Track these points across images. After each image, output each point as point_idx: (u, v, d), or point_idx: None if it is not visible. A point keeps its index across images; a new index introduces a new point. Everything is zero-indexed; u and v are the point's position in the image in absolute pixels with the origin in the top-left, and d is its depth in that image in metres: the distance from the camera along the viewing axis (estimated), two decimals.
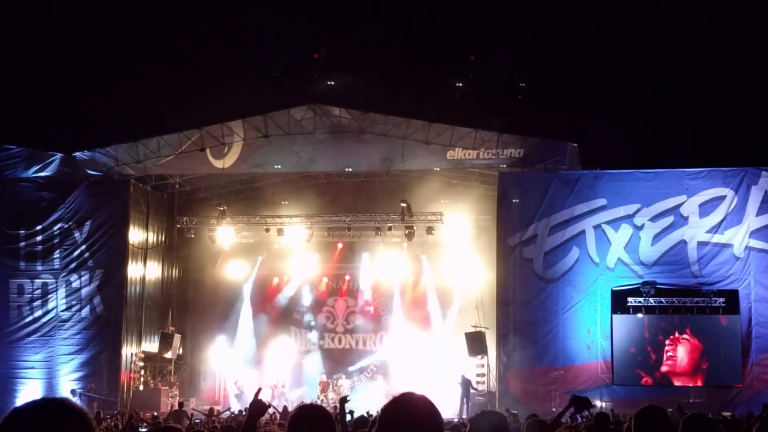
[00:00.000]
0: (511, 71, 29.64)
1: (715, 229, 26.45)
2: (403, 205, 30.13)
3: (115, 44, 32.90)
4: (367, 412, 14.92)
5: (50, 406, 2.35)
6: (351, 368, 32.70)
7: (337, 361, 33.02)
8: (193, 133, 29.73)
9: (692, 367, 26.32)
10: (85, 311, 29.22)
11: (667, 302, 26.60)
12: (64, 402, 2.37)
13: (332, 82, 29.65)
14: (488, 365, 29.28)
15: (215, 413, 24.68)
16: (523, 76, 29.34)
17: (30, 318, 29.27)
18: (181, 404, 25.35)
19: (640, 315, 26.62)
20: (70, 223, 29.47)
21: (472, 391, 28.33)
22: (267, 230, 31.68)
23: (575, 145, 28.28)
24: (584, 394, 27.55)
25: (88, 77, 32.55)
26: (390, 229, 30.89)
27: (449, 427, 10.54)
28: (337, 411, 9.05)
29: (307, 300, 33.75)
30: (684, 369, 26.36)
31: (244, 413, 22.65)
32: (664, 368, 26.45)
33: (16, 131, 30.70)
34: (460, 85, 29.54)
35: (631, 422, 5.62)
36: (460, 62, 30.63)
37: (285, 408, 21.77)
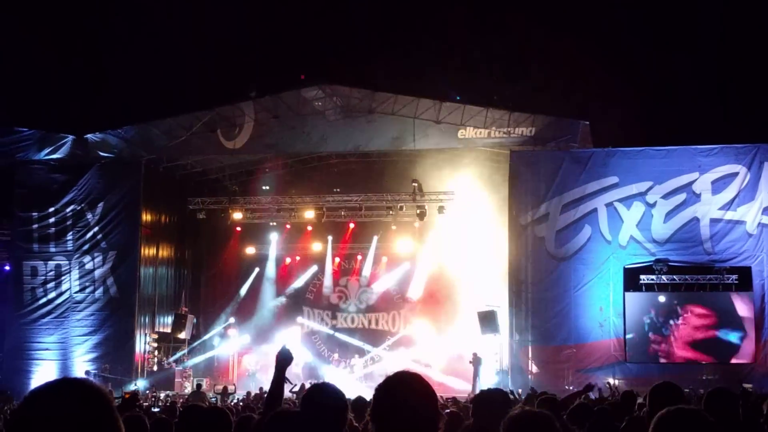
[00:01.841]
0: (498, 90, 29.42)
1: (728, 206, 26.30)
2: (415, 184, 30.11)
3: (127, 26, 32.93)
4: None
5: (70, 386, 2.34)
6: (364, 347, 32.80)
7: (350, 340, 33.13)
8: (204, 114, 29.70)
9: (705, 345, 26.25)
10: (99, 292, 29.35)
11: (679, 279, 26.53)
12: (83, 382, 2.37)
13: (319, 103, 29.55)
14: (500, 344, 29.29)
15: (228, 393, 24.81)
16: (506, 96, 28.99)
17: (44, 300, 29.41)
18: (199, 386, 25.44)
19: (653, 293, 26.57)
20: (83, 205, 29.54)
21: None
22: (278, 211, 31.72)
23: (587, 122, 28.10)
24: (597, 372, 27.46)
25: (99, 59, 32.61)
26: (401, 208, 30.85)
27: (453, 413, 10.52)
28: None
29: (319, 280, 33.83)
30: (696, 347, 26.29)
31: (257, 393, 22.75)
32: (676, 346, 26.40)
33: (27, 114, 30.78)
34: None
35: (645, 399, 5.62)
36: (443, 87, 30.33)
37: (302, 386, 21.81)
